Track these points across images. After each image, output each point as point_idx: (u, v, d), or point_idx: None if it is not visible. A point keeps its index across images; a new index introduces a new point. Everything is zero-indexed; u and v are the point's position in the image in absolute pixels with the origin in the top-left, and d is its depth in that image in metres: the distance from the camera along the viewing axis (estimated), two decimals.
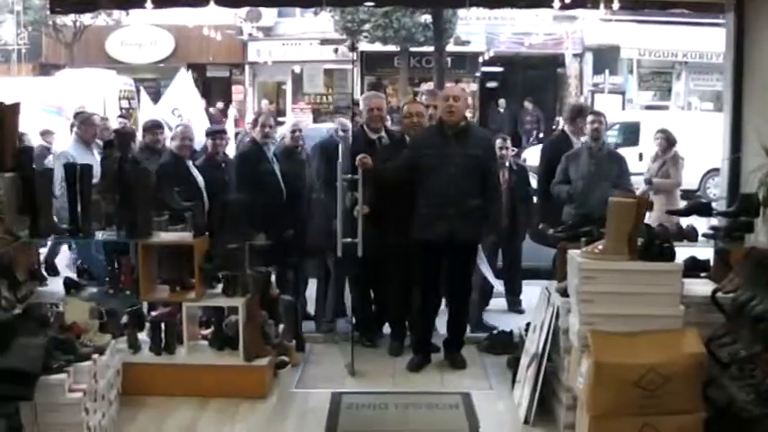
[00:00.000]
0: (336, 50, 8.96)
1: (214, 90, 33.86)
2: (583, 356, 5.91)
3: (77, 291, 7.53)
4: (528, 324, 7.54)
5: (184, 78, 19.99)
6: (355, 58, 29.72)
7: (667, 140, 11.82)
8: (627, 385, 5.60)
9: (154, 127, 10.26)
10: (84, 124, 10.15)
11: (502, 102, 31.52)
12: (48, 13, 23.60)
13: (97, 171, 7.68)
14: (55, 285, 7.67)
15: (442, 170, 7.80)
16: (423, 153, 7.92)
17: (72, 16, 28.64)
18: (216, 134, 9.59)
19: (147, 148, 9.92)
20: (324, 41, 9.33)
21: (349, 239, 7.95)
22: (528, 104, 31.57)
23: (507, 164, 9.81)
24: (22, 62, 31.37)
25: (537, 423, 6.69)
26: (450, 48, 28.90)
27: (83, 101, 19.54)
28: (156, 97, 33.19)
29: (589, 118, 9.70)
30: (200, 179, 8.95)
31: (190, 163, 9.01)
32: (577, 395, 6.04)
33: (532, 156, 14.67)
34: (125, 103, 23.36)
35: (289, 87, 34.49)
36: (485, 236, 8.31)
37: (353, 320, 8.73)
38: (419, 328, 8.29)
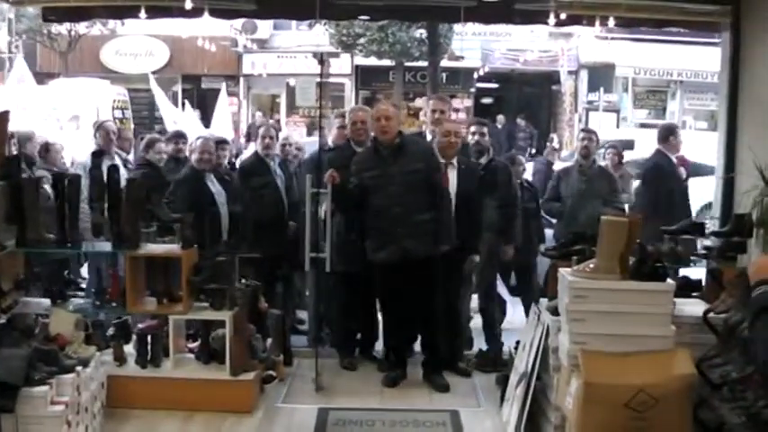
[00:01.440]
0: (322, 63, 8.93)
1: (209, 101, 33.84)
2: (572, 376, 5.84)
3: (63, 302, 7.45)
4: (518, 342, 7.48)
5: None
6: (322, 70, 29.51)
7: (618, 156, 11.85)
8: (616, 406, 5.52)
9: (177, 137, 10.24)
10: (103, 133, 10.10)
11: (500, 118, 31.51)
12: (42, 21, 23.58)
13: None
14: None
15: (384, 190, 7.72)
16: (363, 176, 7.80)
17: (67, 25, 28.61)
18: (217, 145, 9.54)
19: (171, 158, 9.93)
20: (315, 55, 9.31)
21: (314, 254, 7.96)
22: (521, 121, 31.63)
23: (519, 182, 9.75)
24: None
25: None
26: (446, 63, 28.96)
27: (77, 110, 19.61)
28: (150, 108, 33.42)
29: (580, 135, 9.70)
30: (219, 193, 8.95)
31: (210, 176, 8.96)
32: (566, 415, 5.97)
33: (526, 172, 14.59)
34: (118, 113, 23.23)
35: (283, 100, 34.51)
36: (439, 247, 7.81)
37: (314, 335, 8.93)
38: (390, 344, 8.26)
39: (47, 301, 7.30)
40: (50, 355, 6.23)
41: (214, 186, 8.93)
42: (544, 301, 6.92)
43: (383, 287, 8.06)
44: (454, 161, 8.27)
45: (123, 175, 8.72)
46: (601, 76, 32.18)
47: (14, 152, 9.92)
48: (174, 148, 9.92)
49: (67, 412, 5.99)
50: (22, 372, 5.83)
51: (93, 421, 6.58)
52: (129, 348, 7.56)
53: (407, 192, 7.68)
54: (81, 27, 29.75)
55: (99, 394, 6.80)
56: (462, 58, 30.23)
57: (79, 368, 6.32)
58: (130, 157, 11.43)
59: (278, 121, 31.78)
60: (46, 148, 10.29)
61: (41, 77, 29.68)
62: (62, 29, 29.75)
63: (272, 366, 7.90)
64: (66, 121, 18.87)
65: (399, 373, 8.07)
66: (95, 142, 10.18)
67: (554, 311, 6.47)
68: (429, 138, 8.71)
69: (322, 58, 8.13)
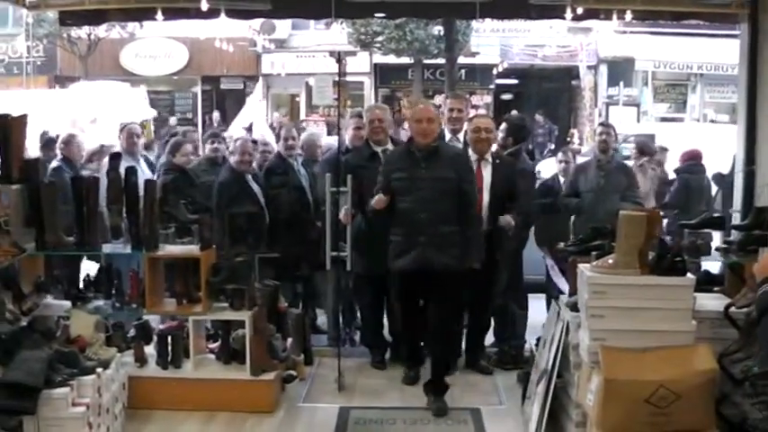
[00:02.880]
0: (340, 62, 8.94)
1: (228, 102, 33.95)
2: (593, 372, 5.81)
3: (84, 303, 7.47)
4: (539, 339, 7.45)
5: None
6: (342, 68, 29.41)
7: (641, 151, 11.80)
8: (637, 402, 5.48)
9: (213, 137, 10.28)
10: (127, 135, 10.13)
11: (514, 113, 31.37)
12: None
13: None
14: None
15: (411, 194, 7.33)
16: (392, 177, 7.45)
17: (86, 29, 28.79)
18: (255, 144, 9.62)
19: (207, 159, 9.95)
20: (333, 53, 9.28)
21: (335, 253, 7.96)
22: (539, 117, 31.50)
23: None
24: (38, 75, 31.53)
25: None
26: (464, 60, 28.91)
27: (96, 113, 19.69)
28: (170, 109, 33.51)
29: (597, 129, 9.67)
30: (259, 194, 9.05)
31: (249, 177, 9.01)
32: (587, 412, 5.94)
33: (546, 168, 14.55)
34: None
35: (303, 100, 34.54)
36: (464, 264, 7.46)
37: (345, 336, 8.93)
38: (406, 344, 8.16)
39: (67, 304, 7.32)
40: (70, 356, 6.27)
41: (255, 187, 8.98)
42: (564, 298, 6.89)
43: (399, 296, 7.79)
44: (488, 157, 8.20)
45: (145, 176, 8.77)
46: (620, 70, 32.08)
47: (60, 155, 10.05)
48: (211, 148, 9.92)
49: (88, 414, 6.01)
50: (42, 374, 5.86)
51: (115, 422, 6.60)
52: (150, 349, 7.58)
53: (436, 199, 7.31)
54: (100, 30, 29.97)
55: (120, 395, 6.82)
56: (477, 53, 30.11)
57: (99, 370, 6.34)
58: (151, 156, 11.49)
59: (301, 120, 31.79)
60: (66, 141, 10.30)
61: (62, 81, 29.93)
62: (81, 33, 29.97)
63: (293, 366, 7.89)
64: (85, 123, 18.90)
65: (417, 371, 8.03)
66: (120, 144, 10.21)
67: (573, 308, 6.43)
68: (448, 137, 8.68)
69: (339, 57, 8.11)
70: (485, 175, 8.14)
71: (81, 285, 7.83)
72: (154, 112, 23.79)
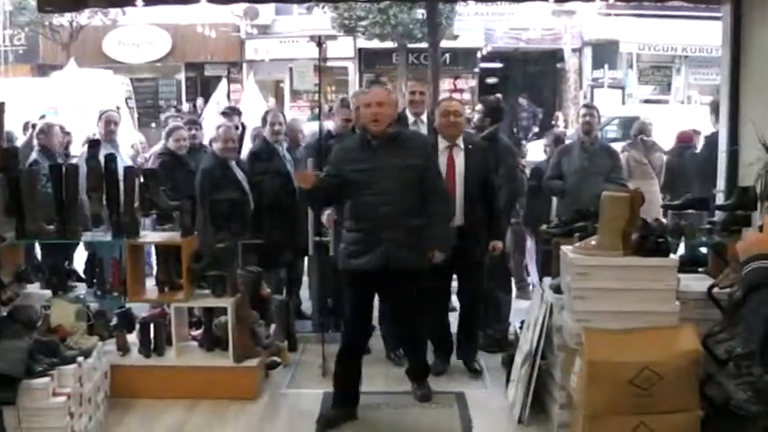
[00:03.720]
0: (320, 46, 8.83)
1: (212, 89, 33.82)
2: (576, 354, 5.80)
3: (65, 292, 7.41)
4: (523, 322, 7.43)
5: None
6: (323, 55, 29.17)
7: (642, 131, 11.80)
8: (621, 384, 5.48)
9: (190, 123, 10.24)
10: (105, 123, 10.06)
11: (498, 97, 31.38)
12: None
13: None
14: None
15: (370, 188, 6.58)
16: (344, 168, 6.72)
17: (68, 17, 28.62)
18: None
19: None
20: (312, 38, 9.22)
21: (318, 238, 8.03)
22: (522, 100, 31.47)
23: None
24: (20, 63, 31.36)
25: (531, 422, 6.57)
26: (449, 44, 28.82)
27: (80, 102, 19.58)
28: (154, 97, 33.42)
29: (581, 111, 9.65)
30: (243, 180, 8.96)
31: (233, 164, 8.96)
32: (571, 394, 5.93)
33: (533, 151, 14.51)
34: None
35: (287, 86, 34.44)
36: (428, 258, 6.88)
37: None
38: (340, 378, 6.98)
39: (48, 293, 7.27)
40: (51, 346, 6.21)
41: (239, 173, 8.92)
42: (548, 280, 6.87)
43: (352, 302, 6.92)
44: (459, 142, 7.66)
45: (124, 163, 8.70)
46: (605, 52, 32.10)
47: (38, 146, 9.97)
48: (188, 135, 9.88)
49: (70, 403, 5.96)
50: (22, 364, 5.80)
51: (97, 411, 6.56)
52: (133, 338, 7.53)
53: (399, 189, 6.60)
54: (82, 18, 29.78)
55: (102, 384, 6.78)
56: (458, 36, 29.98)
57: (81, 359, 6.28)
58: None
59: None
60: (44, 131, 10.20)
61: (45, 70, 29.76)
62: (63, 21, 29.80)
63: (277, 352, 7.86)
64: (69, 112, 18.81)
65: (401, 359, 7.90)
66: (98, 131, 10.14)
67: (557, 290, 6.42)
68: (411, 119, 8.45)
69: (320, 41, 8.02)
70: (457, 162, 7.62)
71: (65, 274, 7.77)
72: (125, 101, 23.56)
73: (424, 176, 6.74)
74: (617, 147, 11.43)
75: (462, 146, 7.70)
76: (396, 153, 6.69)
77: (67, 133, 11.79)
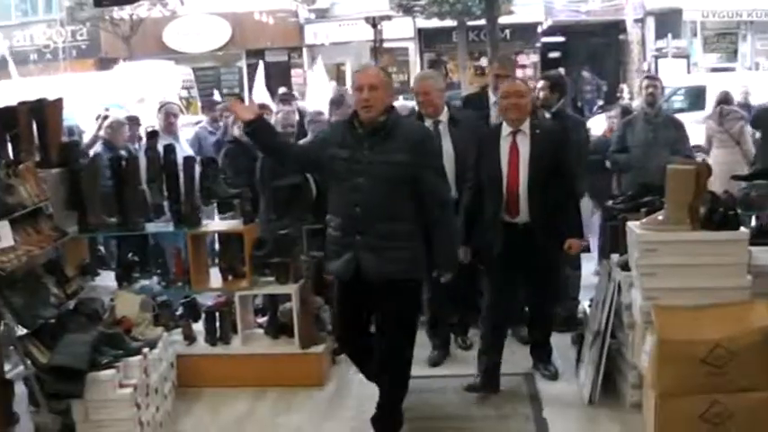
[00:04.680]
0: (375, 27, 8.72)
1: (273, 75, 33.93)
2: (646, 333, 5.68)
3: (129, 284, 7.44)
4: (591, 300, 7.30)
5: None
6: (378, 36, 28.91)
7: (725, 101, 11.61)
8: (693, 362, 5.34)
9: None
10: (165, 115, 10.12)
11: (561, 71, 31.06)
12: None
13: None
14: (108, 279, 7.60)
15: (348, 181, 5.79)
16: (325, 152, 5.95)
17: (128, 9, 28.89)
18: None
19: None
20: (368, 19, 9.10)
21: None
22: (586, 73, 31.14)
23: None
24: (82, 58, 31.76)
25: (602, 403, 6.45)
26: (508, 19, 28.59)
27: (143, 93, 19.73)
28: (216, 86, 33.59)
29: (644, 83, 9.47)
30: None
31: None
32: (643, 373, 5.81)
33: (597, 125, 14.30)
34: (184, 93, 23.41)
35: (348, 68, 34.42)
36: (437, 272, 6.18)
37: None
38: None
39: (113, 285, 7.30)
40: (115, 338, 6.24)
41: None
42: (615, 257, 6.73)
43: (337, 307, 6.34)
44: (524, 127, 6.75)
45: (184, 153, 8.71)
46: (668, 21, 31.61)
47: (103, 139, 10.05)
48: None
49: (136, 395, 5.99)
50: (86, 357, 5.84)
51: (164, 402, 6.58)
52: (198, 327, 7.54)
53: (378, 188, 5.71)
54: (142, 10, 30.04)
55: (169, 374, 6.79)
56: (512, 12, 29.67)
57: (146, 350, 6.31)
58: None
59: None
60: (111, 126, 10.26)
61: (107, 63, 30.09)
62: (123, 14, 30.09)
63: None
64: (132, 104, 18.95)
65: (441, 353, 7.65)
66: (158, 123, 10.20)
67: (624, 267, 6.29)
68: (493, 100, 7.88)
69: (374, 22, 7.88)
70: (521, 150, 6.74)
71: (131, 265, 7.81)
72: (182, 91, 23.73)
73: (417, 177, 5.78)
74: (685, 117, 11.25)
75: (528, 131, 6.77)
76: (382, 146, 5.76)
77: (139, 125, 11.80)
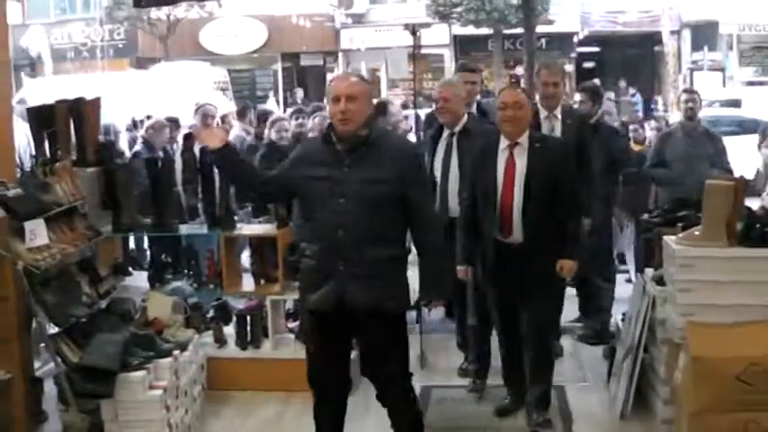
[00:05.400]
0: (414, 34, 8.70)
1: (309, 78, 34.04)
2: (680, 349, 5.63)
3: (161, 285, 7.46)
4: (624, 314, 7.25)
5: None
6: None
7: None
8: (727, 380, 5.30)
9: (297, 112, 10.36)
10: (202, 116, 10.20)
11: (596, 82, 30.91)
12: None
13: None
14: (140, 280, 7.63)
15: (326, 203, 5.18)
16: (299, 174, 5.31)
17: (165, 10, 29.07)
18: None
19: (292, 135, 9.98)
20: (407, 26, 9.11)
21: None
22: (622, 84, 31.00)
23: None
24: (119, 57, 31.97)
25: (633, 417, 6.40)
26: (544, 29, 28.55)
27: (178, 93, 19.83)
28: (251, 87, 33.72)
29: (683, 96, 9.42)
30: None
31: None
32: (676, 390, 5.76)
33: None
34: (219, 94, 23.48)
35: (383, 74, 34.44)
36: (424, 300, 5.61)
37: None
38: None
39: (145, 286, 7.32)
40: (147, 339, 6.25)
41: None
42: (650, 271, 6.68)
43: (312, 346, 5.62)
44: (522, 140, 6.20)
45: None
46: (704, 34, 31.45)
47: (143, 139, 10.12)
48: (296, 124, 9.96)
49: (166, 396, 6.00)
50: (117, 357, 5.85)
51: (194, 404, 6.58)
52: (229, 330, 7.54)
53: (360, 210, 5.13)
54: (179, 11, 30.22)
55: (198, 377, 6.80)
56: (553, 21, 29.65)
57: (177, 352, 6.33)
58: None
59: None
60: (152, 127, 10.34)
61: (144, 63, 30.28)
62: (161, 14, 30.25)
63: None
64: (168, 104, 19.08)
65: (480, 384, 7.12)
66: (194, 124, 10.26)
67: (660, 281, 6.24)
68: (543, 114, 7.47)
69: (414, 29, 7.89)
70: (518, 164, 6.19)
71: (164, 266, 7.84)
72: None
73: (405, 196, 5.21)
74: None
75: (526, 145, 6.24)
76: (364, 163, 5.18)
77: (179, 126, 11.86)
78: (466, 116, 7.21)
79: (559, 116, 7.40)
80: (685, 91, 9.77)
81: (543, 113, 7.49)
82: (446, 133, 7.19)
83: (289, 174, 5.42)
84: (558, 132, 7.22)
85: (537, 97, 7.78)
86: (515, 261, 6.17)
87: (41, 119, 7.07)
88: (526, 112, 6.27)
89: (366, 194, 5.12)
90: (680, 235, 5.95)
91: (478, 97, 8.29)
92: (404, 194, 5.21)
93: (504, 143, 6.24)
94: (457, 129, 7.12)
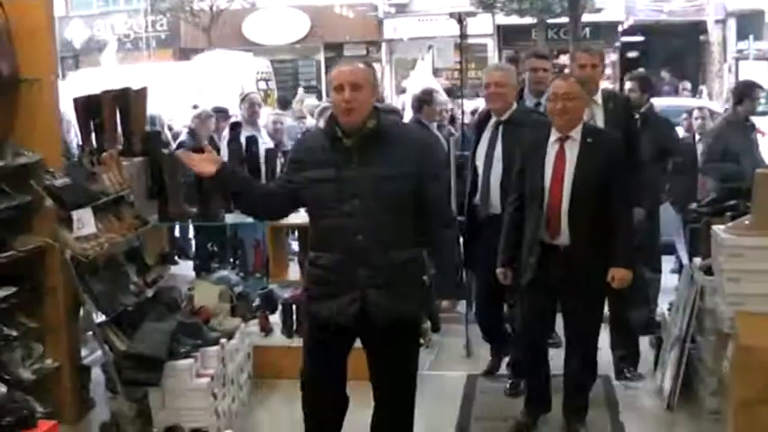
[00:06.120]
0: (461, 23, 8.62)
1: None
2: (729, 339, 5.58)
3: (208, 274, 7.50)
4: (671, 304, 7.20)
5: None
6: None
7: None
8: None
9: None
10: (249, 105, 10.25)
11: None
12: None
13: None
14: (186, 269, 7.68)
15: (341, 205, 4.69)
16: (303, 174, 4.83)
17: (208, 1, 29.20)
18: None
19: None
20: (452, 15, 9.05)
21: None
22: (665, 74, 30.69)
23: None
24: (162, 48, 32.14)
25: (680, 408, 6.37)
26: (588, 18, 28.34)
27: (220, 84, 19.92)
28: (293, 78, 33.74)
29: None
30: None
31: None
32: (723, 380, 5.71)
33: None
34: (262, 85, 23.54)
35: (427, 64, 34.40)
36: (429, 306, 5.43)
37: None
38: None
39: (191, 274, 7.37)
40: (194, 328, 6.29)
41: None
42: (697, 261, 6.62)
43: (313, 360, 5.09)
44: (574, 134, 5.80)
45: (266, 145, 8.77)
46: (750, 23, 31.01)
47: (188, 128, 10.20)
48: None
49: (213, 384, 6.04)
50: (165, 346, 5.89)
51: (240, 392, 6.62)
52: (275, 318, 7.57)
53: (381, 210, 4.67)
54: (222, 2, 30.32)
55: (245, 365, 6.84)
56: (601, 10, 29.43)
57: (224, 340, 6.36)
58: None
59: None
60: (199, 116, 10.41)
61: (186, 53, 30.41)
62: (204, 5, 30.38)
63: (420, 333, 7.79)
64: (212, 94, 19.17)
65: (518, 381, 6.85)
66: (240, 114, 10.29)
67: (708, 271, 6.18)
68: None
69: (461, 18, 7.78)
70: (568, 159, 5.79)
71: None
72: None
73: (420, 190, 4.79)
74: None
75: (578, 138, 5.81)
76: (376, 158, 4.71)
77: (228, 117, 11.90)
78: (514, 105, 6.84)
79: (600, 101, 6.87)
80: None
81: None
82: (493, 121, 6.80)
83: (293, 179, 4.90)
84: (599, 119, 6.77)
85: None
86: (559, 265, 5.76)
87: (88, 109, 7.12)
88: (579, 103, 5.82)
89: (382, 193, 4.66)
90: (729, 224, 5.89)
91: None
92: (421, 188, 4.77)
93: (554, 136, 5.83)
94: (504, 118, 6.73)
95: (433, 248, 4.96)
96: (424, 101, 9.08)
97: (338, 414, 5.17)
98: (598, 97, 6.82)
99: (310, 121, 12.87)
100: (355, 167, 4.68)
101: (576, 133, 5.78)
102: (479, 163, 6.81)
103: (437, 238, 4.93)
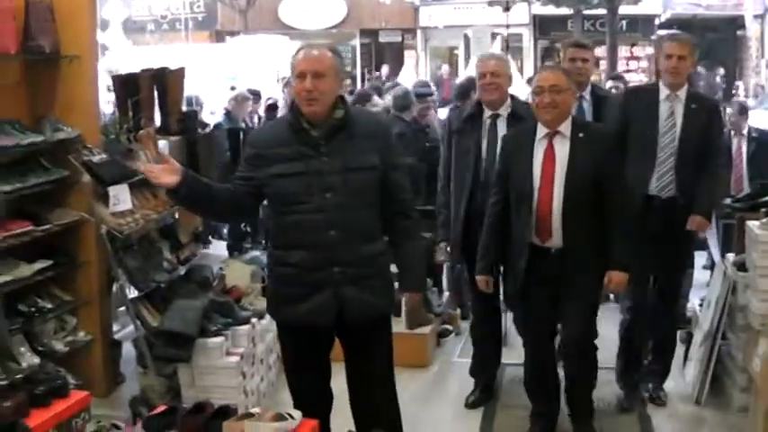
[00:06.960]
0: (508, 10, 8.54)
1: (387, 55, 34.01)
2: (760, 337, 5.55)
3: (240, 254, 7.53)
4: (702, 299, 7.17)
5: None
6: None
7: None
8: None
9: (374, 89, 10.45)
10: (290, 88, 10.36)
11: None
12: None
13: None
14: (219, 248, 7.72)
15: (309, 199, 4.46)
16: (266, 170, 4.54)
17: None
18: (422, 97, 9.46)
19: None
20: (491, 3, 8.94)
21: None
22: (701, 69, 30.46)
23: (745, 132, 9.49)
24: (199, 30, 32.21)
25: (708, 403, 6.36)
26: (625, 10, 28.14)
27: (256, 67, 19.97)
28: None
29: None
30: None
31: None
32: (753, 378, 5.68)
33: None
34: None
35: (461, 52, 34.31)
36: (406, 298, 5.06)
37: None
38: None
39: (223, 254, 7.41)
40: (225, 306, 6.33)
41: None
42: (731, 256, 6.59)
43: (292, 363, 5.03)
44: (564, 129, 5.44)
45: None
46: None
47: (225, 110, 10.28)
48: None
49: (242, 363, 6.09)
50: (197, 323, 5.94)
51: (269, 372, 6.66)
52: None
53: (353, 203, 4.50)
54: None
55: (275, 346, 6.83)
56: (639, 1, 29.22)
57: (254, 320, 6.40)
58: None
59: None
60: (235, 98, 10.47)
61: (222, 36, 30.49)
62: None
63: (449, 320, 7.82)
64: (247, 77, 19.23)
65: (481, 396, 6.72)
66: (283, 98, 10.33)
67: (741, 267, 6.15)
68: (663, 95, 6.20)
69: (507, 6, 7.61)
70: (558, 157, 5.42)
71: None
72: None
73: (386, 180, 4.62)
74: None
75: (568, 134, 5.45)
76: (344, 149, 4.51)
77: (260, 99, 11.96)
78: (509, 99, 6.38)
79: (683, 98, 6.19)
80: None
81: (663, 93, 6.18)
82: (487, 114, 6.33)
83: (255, 176, 4.60)
84: (678, 117, 6.13)
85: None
86: (552, 270, 5.47)
87: (126, 87, 7.16)
88: (567, 96, 5.42)
89: (353, 185, 4.48)
90: (763, 220, 5.86)
91: (593, 78, 7.47)
92: (386, 178, 4.62)
93: (541, 132, 5.46)
94: (504, 111, 6.29)
95: (395, 240, 4.77)
96: (470, 88, 9.02)
97: (326, 412, 5.11)
98: (683, 92, 6.19)
99: None
100: (324, 160, 4.47)
101: (566, 128, 5.43)
102: (482, 155, 6.34)
103: (401, 229, 4.73)
